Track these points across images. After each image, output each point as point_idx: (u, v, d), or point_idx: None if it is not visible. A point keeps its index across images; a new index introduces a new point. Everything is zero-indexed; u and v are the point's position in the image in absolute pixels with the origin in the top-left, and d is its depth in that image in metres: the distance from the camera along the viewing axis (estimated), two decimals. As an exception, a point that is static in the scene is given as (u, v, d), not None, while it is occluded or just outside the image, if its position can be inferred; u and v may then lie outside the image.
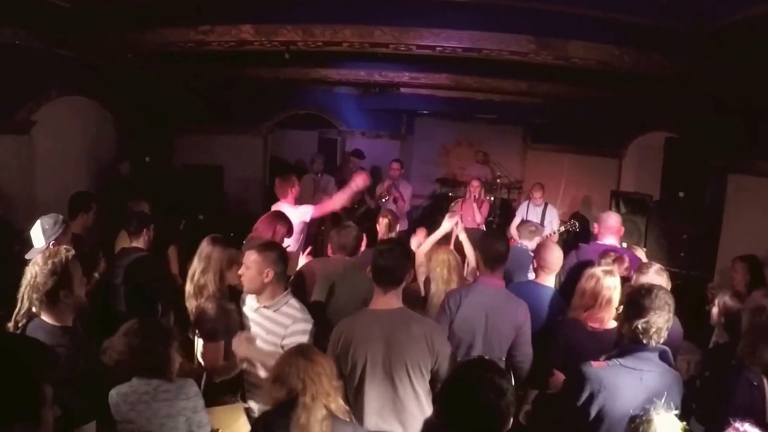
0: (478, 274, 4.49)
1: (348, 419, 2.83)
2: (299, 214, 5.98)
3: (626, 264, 4.98)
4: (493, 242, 4.28)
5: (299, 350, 2.75)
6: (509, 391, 2.20)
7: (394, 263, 3.36)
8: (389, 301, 3.37)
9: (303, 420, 2.53)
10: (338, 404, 2.68)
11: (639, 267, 4.64)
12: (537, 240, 6.00)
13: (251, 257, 3.66)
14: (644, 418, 2.47)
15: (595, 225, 5.90)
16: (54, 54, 6.54)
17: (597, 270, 4.08)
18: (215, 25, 5.79)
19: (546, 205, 8.76)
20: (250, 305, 3.85)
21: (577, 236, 8.79)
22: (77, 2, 5.54)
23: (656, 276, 4.30)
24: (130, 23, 6.03)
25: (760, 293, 3.57)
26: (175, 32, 5.98)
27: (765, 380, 3.22)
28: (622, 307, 3.77)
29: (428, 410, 3.35)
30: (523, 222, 6.43)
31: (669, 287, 3.96)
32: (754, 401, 3.17)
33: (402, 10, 5.56)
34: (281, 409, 2.60)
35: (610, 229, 5.67)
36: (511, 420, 2.23)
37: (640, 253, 5.77)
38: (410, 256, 3.65)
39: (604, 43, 5.61)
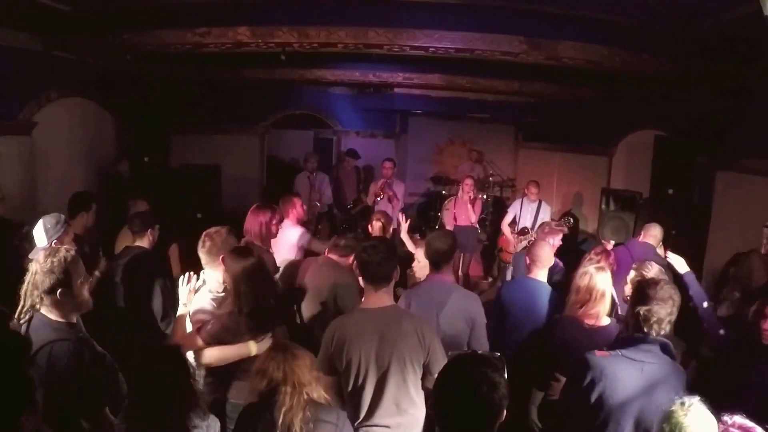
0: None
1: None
2: (298, 237, 6.00)
3: (611, 259, 5.13)
4: (434, 241, 4.34)
5: (279, 346, 2.84)
6: (502, 384, 2.19)
7: (379, 258, 3.36)
8: (380, 299, 3.40)
9: (287, 406, 2.62)
10: (320, 393, 2.75)
11: (639, 264, 4.76)
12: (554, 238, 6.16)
13: None
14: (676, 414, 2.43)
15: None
16: (54, 56, 6.59)
17: (590, 267, 4.18)
18: (212, 27, 5.84)
19: (540, 202, 8.83)
20: None
21: (571, 232, 8.92)
22: (77, 5, 5.62)
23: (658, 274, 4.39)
24: (129, 25, 6.08)
25: None
26: (172, 34, 6.02)
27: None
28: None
29: (420, 404, 3.41)
30: (541, 225, 6.61)
31: None
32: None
33: (396, 12, 5.62)
34: (264, 400, 2.69)
35: (653, 237, 6.01)
36: (505, 413, 2.23)
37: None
38: (395, 253, 3.63)
39: (594, 44, 5.68)
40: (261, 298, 3.71)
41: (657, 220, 7.51)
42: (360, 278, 3.47)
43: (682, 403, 2.44)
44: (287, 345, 2.85)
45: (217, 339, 3.67)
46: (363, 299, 3.50)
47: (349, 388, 3.36)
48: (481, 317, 4.17)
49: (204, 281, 4.13)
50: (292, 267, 5.47)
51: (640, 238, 6.11)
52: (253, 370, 2.77)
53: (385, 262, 3.39)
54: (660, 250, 5.98)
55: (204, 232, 4.20)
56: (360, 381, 3.32)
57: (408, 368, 3.31)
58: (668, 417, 2.43)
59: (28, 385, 2.08)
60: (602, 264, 4.49)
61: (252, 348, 3.68)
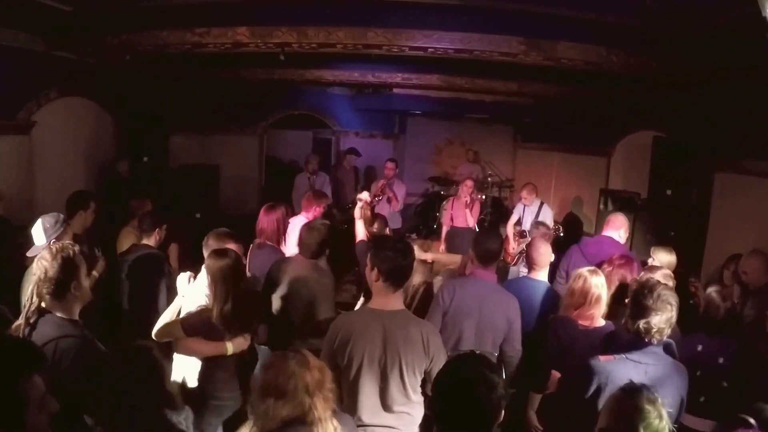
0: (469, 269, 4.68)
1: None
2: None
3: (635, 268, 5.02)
4: (485, 241, 4.51)
5: (297, 359, 2.50)
6: (500, 385, 2.22)
7: (409, 263, 3.39)
8: (392, 301, 3.39)
9: None
10: (333, 405, 2.57)
11: (648, 269, 4.77)
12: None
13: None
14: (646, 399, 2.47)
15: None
16: (54, 56, 6.59)
17: (583, 270, 4.21)
18: (211, 27, 5.83)
19: (541, 204, 8.79)
20: None
21: (567, 239, 8.89)
22: (77, 5, 5.62)
23: (662, 279, 4.39)
24: (128, 25, 6.08)
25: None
26: (171, 34, 6.00)
27: None
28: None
29: (418, 406, 3.43)
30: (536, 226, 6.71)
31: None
32: None
33: (395, 12, 5.61)
34: (288, 428, 2.38)
35: (612, 224, 5.92)
36: (503, 413, 2.26)
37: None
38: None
39: (593, 44, 5.67)
40: (235, 298, 3.78)
41: (655, 220, 7.57)
42: (375, 275, 3.37)
43: (651, 402, 2.46)
44: (303, 357, 2.54)
45: (195, 330, 3.78)
46: (374, 297, 3.46)
47: (348, 386, 3.36)
48: (518, 320, 4.28)
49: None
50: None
51: (603, 231, 6.01)
52: (267, 385, 2.43)
53: (411, 267, 3.44)
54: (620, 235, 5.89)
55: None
56: (360, 380, 3.32)
57: (409, 373, 3.31)
58: (643, 417, 2.43)
59: (14, 405, 1.97)
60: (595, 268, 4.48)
61: (228, 347, 3.77)
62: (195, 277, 4.21)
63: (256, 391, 2.45)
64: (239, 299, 3.82)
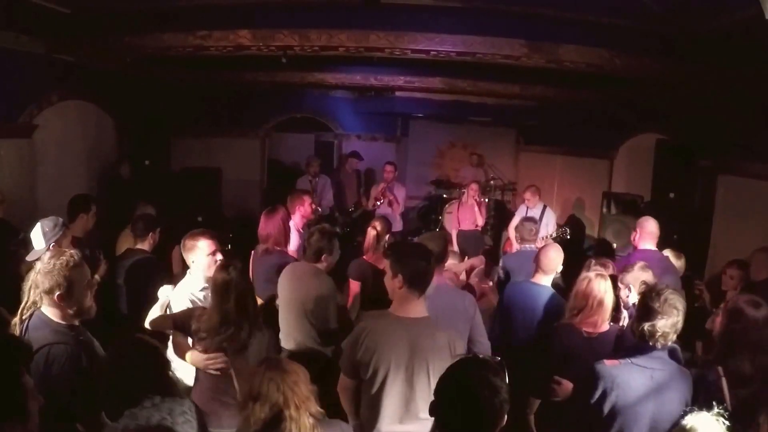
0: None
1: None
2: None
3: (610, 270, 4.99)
4: (426, 243, 4.26)
5: (271, 364, 2.61)
6: (503, 389, 2.21)
7: (431, 267, 3.36)
8: (416, 308, 3.33)
9: None
10: (316, 408, 2.57)
11: (623, 267, 4.70)
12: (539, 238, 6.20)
13: None
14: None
15: (634, 232, 5.88)
16: (55, 59, 6.58)
17: (590, 273, 4.15)
18: (213, 30, 5.83)
19: (545, 207, 8.74)
20: None
21: (571, 242, 8.86)
22: (77, 7, 5.63)
23: (641, 272, 4.39)
24: (130, 28, 6.07)
25: (743, 298, 3.55)
26: (173, 37, 6.02)
27: (724, 382, 3.24)
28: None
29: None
30: (522, 223, 6.55)
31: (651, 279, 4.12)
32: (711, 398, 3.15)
33: (397, 15, 5.61)
34: (267, 428, 2.46)
35: (650, 234, 5.69)
36: (506, 418, 2.25)
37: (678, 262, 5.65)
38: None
39: (595, 47, 5.67)
40: (228, 314, 3.56)
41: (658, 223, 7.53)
42: (399, 282, 3.30)
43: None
44: (277, 361, 2.67)
45: (182, 326, 3.73)
46: (397, 304, 3.38)
47: (372, 395, 3.31)
48: (478, 314, 4.17)
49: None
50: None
51: (636, 239, 5.80)
52: (245, 394, 2.53)
53: (433, 271, 3.41)
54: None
55: None
56: (385, 389, 3.26)
57: (436, 381, 3.28)
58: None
59: (17, 393, 2.05)
60: (603, 271, 4.44)
61: (188, 356, 3.63)
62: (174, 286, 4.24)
63: (239, 404, 2.56)
64: (229, 317, 3.58)
